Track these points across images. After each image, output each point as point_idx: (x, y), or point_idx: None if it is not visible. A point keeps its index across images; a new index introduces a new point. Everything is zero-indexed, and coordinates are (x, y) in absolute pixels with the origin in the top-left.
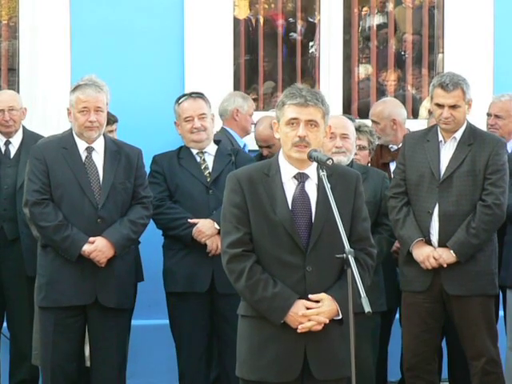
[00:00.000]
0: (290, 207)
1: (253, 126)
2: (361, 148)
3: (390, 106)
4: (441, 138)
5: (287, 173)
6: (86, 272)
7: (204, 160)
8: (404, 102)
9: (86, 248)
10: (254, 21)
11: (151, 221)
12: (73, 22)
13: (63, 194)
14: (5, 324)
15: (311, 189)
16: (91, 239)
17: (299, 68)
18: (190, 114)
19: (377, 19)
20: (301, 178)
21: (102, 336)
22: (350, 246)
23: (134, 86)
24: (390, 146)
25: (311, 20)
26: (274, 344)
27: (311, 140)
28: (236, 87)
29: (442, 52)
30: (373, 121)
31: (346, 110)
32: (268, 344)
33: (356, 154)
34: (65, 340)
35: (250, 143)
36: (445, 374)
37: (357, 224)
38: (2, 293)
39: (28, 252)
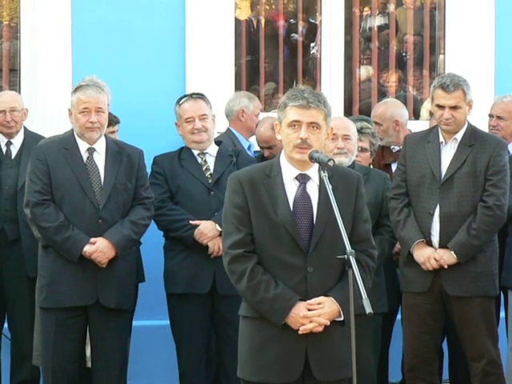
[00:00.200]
0: (292, 208)
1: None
2: (362, 150)
3: (391, 107)
4: (441, 138)
5: (289, 174)
6: (87, 273)
7: (205, 161)
8: (405, 103)
9: (87, 249)
10: (255, 22)
11: (152, 222)
12: (74, 23)
13: (64, 195)
14: (6, 324)
15: (312, 190)
16: (92, 240)
17: (300, 69)
18: (190, 115)
19: (378, 20)
20: (302, 179)
21: (102, 336)
22: (351, 248)
23: (135, 87)
24: (391, 147)
25: (312, 21)
26: (274, 345)
27: (313, 142)
28: (237, 88)
29: (443, 53)
30: (375, 122)
31: (347, 111)
32: (269, 345)
33: (357, 155)
34: (66, 340)
35: (255, 144)
36: (445, 375)
37: (358, 225)
38: (3, 293)
39: (29, 253)
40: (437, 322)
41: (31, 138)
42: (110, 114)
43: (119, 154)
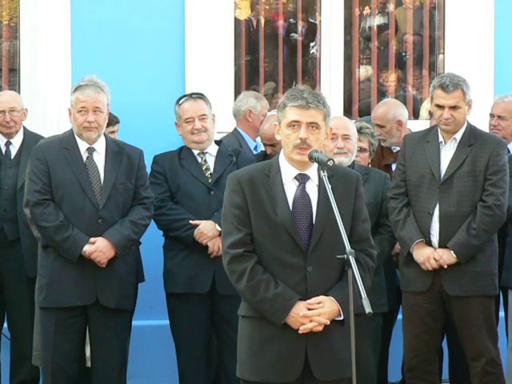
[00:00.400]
0: (291, 208)
1: None
2: (361, 150)
3: (392, 108)
4: (441, 138)
5: (288, 174)
6: (86, 272)
7: (205, 161)
8: (405, 103)
9: (87, 248)
10: (254, 21)
11: (152, 221)
12: (73, 23)
13: (64, 195)
14: (5, 324)
15: (312, 190)
16: (92, 240)
17: (300, 69)
18: (190, 115)
19: (377, 20)
20: (301, 178)
21: (102, 336)
22: (350, 247)
23: (135, 87)
24: (392, 147)
25: (312, 21)
26: (274, 344)
27: (312, 142)
28: (237, 88)
29: (443, 53)
30: (377, 125)
31: (347, 110)
32: (269, 344)
33: (357, 155)
34: (65, 340)
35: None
36: (445, 374)
37: (357, 225)
38: (3, 293)
39: (28, 253)
40: (437, 322)
41: (30, 138)
42: (110, 113)
43: (119, 153)
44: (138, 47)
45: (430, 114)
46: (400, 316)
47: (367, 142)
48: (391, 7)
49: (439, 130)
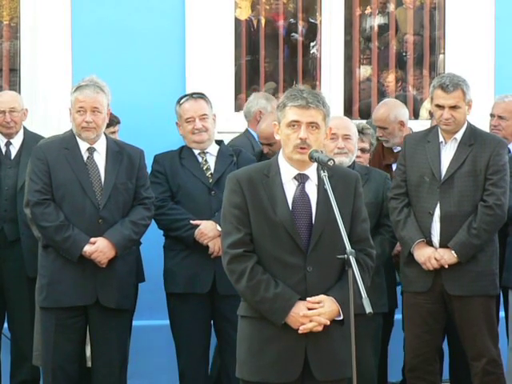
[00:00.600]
0: (291, 208)
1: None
2: (363, 151)
3: (393, 109)
4: (441, 138)
5: (287, 174)
6: (86, 272)
7: (206, 161)
8: (405, 103)
9: (87, 248)
10: (255, 21)
11: (152, 221)
12: (74, 23)
13: (65, 195)
14: (5, 325)
15: (311, 190)
16: (92, 240)
17: (300, 69)
18: (191, 115)
19: (378, 20)
20: (301, 178)
21: (102, 336)
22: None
23: (135, 87)
24: (393, 147)
25: (312, 21)
26: (274, 344)
27: (312, 142)
28: (237, 88)
29: (443, 53)
30: (379, 127)
31: (347, 110)
32: (268, 345)
33: (359, 156)
34: (66, 340)
35: None
36: (446, 374)
37: (356, 225)
38: (3, 294)
39: (28, 253)
40: (438, 322)
41: (31, 138)
42: (110, 114)
43: (120, 153)
44: (139, 47)
45: (431, 114)
46: (398, 316)
47: (369, 143)
48: (391, 7)
49: (439, 130)
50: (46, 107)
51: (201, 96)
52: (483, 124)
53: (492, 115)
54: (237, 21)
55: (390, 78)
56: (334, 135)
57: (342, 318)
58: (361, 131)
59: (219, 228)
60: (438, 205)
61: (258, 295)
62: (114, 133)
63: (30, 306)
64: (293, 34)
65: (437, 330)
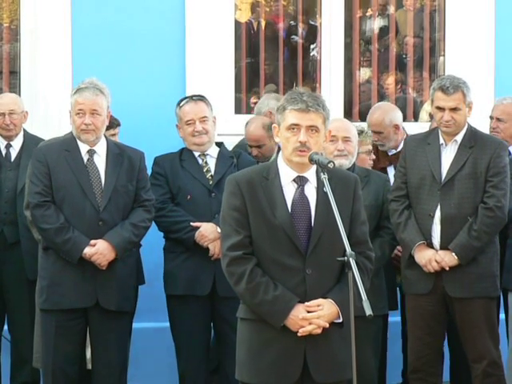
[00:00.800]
0: (290, 210)
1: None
2: (368, 152)
3: (388, 113)
4: (442, 140)
5: (286, 176)
6: (87, 275)
7: (206, 163)
8: (405, 105)
9: (88, 251)
10: (255, 24)
11: (152, 223)
12: (74, 25)
13: (65, 197)
14: (5, 327)
15: (310, 192)
16: (92, 242)
17: (300, 71)
18: (191, 117)
19: (378, 22)
20: (300, 181)
21: (103, 338)
22: None
23: (136, 89)
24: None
25: (312, 23)
26: (273, 347)
27: (312, 145)
28: (237, 90)
29: (443, 55)
30: (374, 132)
31: (347, 113)
32: (267, 347)
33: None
34: (66, 342)
35: None
36: (446, 376)
37: (355, 227)
38: (3, 296)
39: (28, 255)
40: (440, 324)
41: (31, 140)
42: (111, 116)
43: (120, 156)
44: (139, 49)
45: (431, 116)
46: (395, 318)
47: (371, 145)
48: (392, 9)
49: (440, 132)
50: (46, 109)
51: (201, 98)
52: (483, 126)
53: (491, 117)
54: (237, 23)
55: (390, 81)
56: (334, 137)
57: (341, 320)
58: (366, 133)
59: (219, 230)
60: (439, 207)
61: (257, 297)
62: (114, 135)
63: (29, 308)
64: (293, 36)
65: (439, 331)
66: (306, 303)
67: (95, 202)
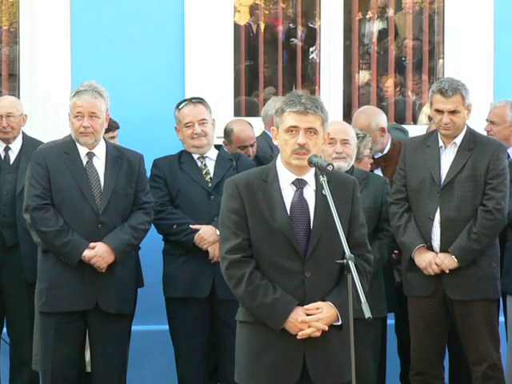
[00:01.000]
0: (289, 213)
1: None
2: (370, 156)
3: (374, 116)
4: (441, 143)
5: (285, 179)
6: (86, 277)
7: (205, 165)
8: (404, 108)
9: (87, 253)
10: (254, 26)
11: (151, 226)
12: (73, 28)
13: (64, 199)
14: (5, 329)
15: (309, 195)
16: (92, 245)
17: (299, 74)
18: (190, 120)
19: (377, 25)
20: (299, 184)
21: (102, 341)
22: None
23: (135, 92)
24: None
25: (311, 26)
26: (272, 350)
27: (311, 147)
28: (236, 93)
29: (443, 58)
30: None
31: (347, 115)
32: (267, 350)
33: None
34: (65, 345)
35: None
36: (446, 379)
37: (354, 230)
38: (2, 299)
39: (27, 258)
40: (441, 327)
41: (30, 143)
42: (110, 119)
43: (119, 158)
44: (138, 52)
45: (430, 118)
46: (394, 320)
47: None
48: (391, 12)
49: (439, 134)
50: (46, 112)
51: (200, 101)
52: (483, 129)
53: (487, 120)
54: (236, 26)
55: (389, 83)
56: (333, 140)
57: (340, 323)
58: (369, 136)
59: (218, 233)
60: (438, 210)
61: (256, 300)
62: (113, 138)
63: (29, 310)
64: (292, 38)
65: (440, 334)
66: (306, 306)
67: (94, 204)
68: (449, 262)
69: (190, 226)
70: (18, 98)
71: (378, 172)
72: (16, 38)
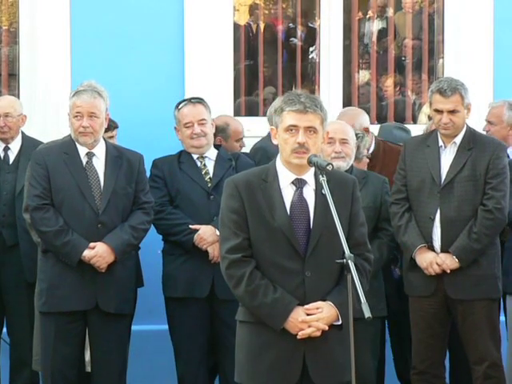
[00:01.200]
0: (289, 213)
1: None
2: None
3: (357, 117)
4: (441, 143)
5: (285, 179)
6: (86, 277)
7: (204, 165)
8: (404, 108)
9: (87, 253)
10: (254, 26)
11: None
12: (73, 28)
13: (64, 199)
14: (4, 329)
15: (309, 194)
16: (91, 245)
17: (299, 73)
18: (189, 120)
19: (377, 24)
20: (299, 183)
21: (102, 341)
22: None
23: (134, 92)
24: None
25: (311, 25)
26: (272, 349)
27: (310, 146)
28: (236, 93)
29: (442, 57)
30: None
31: None
32: (267, 350)
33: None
34: (65, 345)
35: None
36: (446, 378)
37: (354, 229)
38: (2, 298)
39: (27, 258)
40: (442, 327)
41: (29, 143)
42: (109, 119)
43: (119, 158)
44: (138, 52)
45: (429, 118)
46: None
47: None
48: (390, 12)
49: (439, 134)
50: (45, 112)
51: (199, 101)
52: (482, 128)
53: (486, 121)
54: (236, 25)
55: (389, 83)
56: (332, 139)
57: (340, 322)
58: (363, 136)
59: (218, 233)
60: (439, 209)
61: (256, 300)
62: (111, 137)
63: (28, 310)
64: (292, 38)
65: (441, 334)
66: (306, 306)
67: (94, 204)
68: (450, 261)
69: (190, 226)
70: (18, 97)
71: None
72: (16, 38)
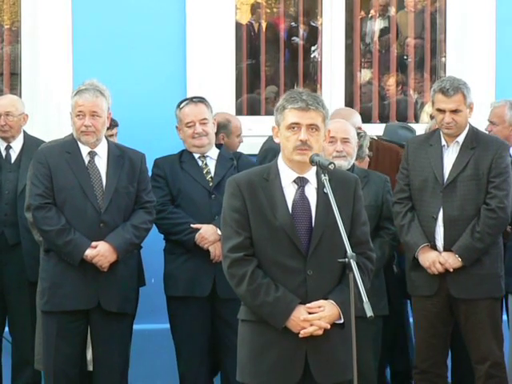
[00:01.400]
0: (291, 211)
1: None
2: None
3: (349, 117)
4: (443, 142)
5: (287, 177)
6: (88, 276)
7: (206, 164)
8: (406, 107)
9: (89, 253)
10: (256, 25)
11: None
12: (74, 27)
13: (66, 199)
14: (6, 328)
15: (311, 193)
16: (94, 244)
17: (301, 72)
18: (191, 119)
19: (379, 23)
20: (300, 182)
21: (104, 340)
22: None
23: (136, 91)
24: None
25: (313, 24)
26: (274, 348)
27: (312, 143)
28: (238, 92)
29: (445, 56)
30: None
31: None
32: (269, 348)
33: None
34: (67, 344)
35: None
36: (448, 377)
37: (356, 228)
38: (4, 297)
39: (29, 257)
40: (445, 326)
41: (31, 142)
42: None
43: (121, 157)
44: (140, 51)
45: (431, 117)
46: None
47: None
48: (393, 11)
49: (441, 133)
50: (47, 111)
51: (201, 100)
52: (483, 128)
53: (488, 121)
54: (237, 25)
55: (391, 82)
56: (333, 138)
57: (342, 321)
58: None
59: (220, 232)
60: (441, 209)
61: (258, 299)
62: (112, 136)
63: (30, 309)
64: (293, 37)
65: (444, 333)
66: (308, 304)
67: (96, 203)
68: (452, 261)
69: (191, 225)
70: (20, 96)
71: None
72: (17, 37)
